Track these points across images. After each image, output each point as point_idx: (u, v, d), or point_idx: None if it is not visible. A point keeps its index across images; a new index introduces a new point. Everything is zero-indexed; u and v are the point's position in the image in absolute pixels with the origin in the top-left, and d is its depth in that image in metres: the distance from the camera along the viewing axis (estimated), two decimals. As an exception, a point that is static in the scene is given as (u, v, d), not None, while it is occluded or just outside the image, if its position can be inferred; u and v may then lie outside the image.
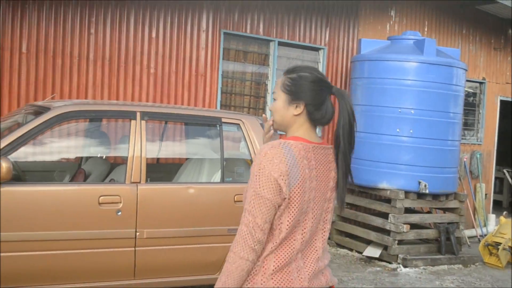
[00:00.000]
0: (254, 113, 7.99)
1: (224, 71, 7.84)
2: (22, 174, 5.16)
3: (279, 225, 2.20)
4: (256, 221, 2.14)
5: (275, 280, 2.19)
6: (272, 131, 2.46)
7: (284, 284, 2.19)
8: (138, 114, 4.79)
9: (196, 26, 7.51)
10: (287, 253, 2.21)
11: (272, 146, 2.18)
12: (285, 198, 2.16)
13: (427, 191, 7.60)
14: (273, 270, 2.19)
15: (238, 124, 5.16)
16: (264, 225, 2.15)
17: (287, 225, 2.19)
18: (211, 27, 7.61)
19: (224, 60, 7.81)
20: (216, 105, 7.66)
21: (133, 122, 4.76)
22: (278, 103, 2.30)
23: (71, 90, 6.73)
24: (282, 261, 2.20)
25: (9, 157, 4.23)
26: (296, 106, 2.27)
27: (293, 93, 2.27)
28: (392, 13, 9.35)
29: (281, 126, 2.34)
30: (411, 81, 7.70)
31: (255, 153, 5.08)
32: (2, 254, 4.14)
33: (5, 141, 4.30)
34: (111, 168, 5.63)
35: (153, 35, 7.21)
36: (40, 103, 5.27)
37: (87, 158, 5.89)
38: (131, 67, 7.06)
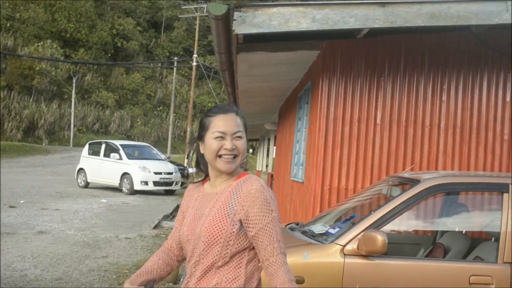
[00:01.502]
0: None
1: None
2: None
3: None
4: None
5: None
6: None
7: None
8: (511, 187, 4.38)
9: (559, 86, 6.81)
10: None
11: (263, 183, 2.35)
12: None
13: None
14: None
15: None
16: None
17: None
18: None
19: None
20: None
21: (505, 195, 4.37)
22: (245, 142, 2.41)
23: (421, 160, 6.61)
24: None
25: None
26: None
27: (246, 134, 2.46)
28: None
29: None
30: None
31: None
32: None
33: (378, 214, 4.28)
34: (472, 244, 5.24)
35: (507, 98, 6.73)
36: (406, 175, 5.21)
37: (443, 231, 5.61)
38: (483, 134, 6.67)
